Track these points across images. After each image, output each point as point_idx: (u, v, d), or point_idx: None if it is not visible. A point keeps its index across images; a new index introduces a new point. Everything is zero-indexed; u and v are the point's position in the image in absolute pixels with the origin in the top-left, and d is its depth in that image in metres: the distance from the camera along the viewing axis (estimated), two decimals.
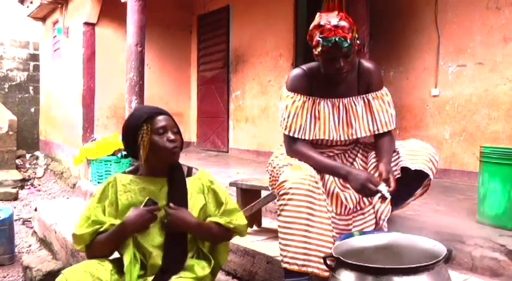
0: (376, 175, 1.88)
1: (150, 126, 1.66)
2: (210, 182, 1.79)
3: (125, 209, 1.66)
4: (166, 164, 1.72)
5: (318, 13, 1.90)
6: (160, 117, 1.69)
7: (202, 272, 1.65)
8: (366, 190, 1.76)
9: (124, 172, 1.79)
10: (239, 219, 1.78)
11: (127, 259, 1.60)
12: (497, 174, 2.26)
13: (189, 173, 1.79)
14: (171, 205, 1.65)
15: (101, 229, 1.64)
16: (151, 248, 1.65)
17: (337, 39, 1.79)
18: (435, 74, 4.10)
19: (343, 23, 1.81)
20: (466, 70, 3.88)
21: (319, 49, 1.85)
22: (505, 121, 3.60)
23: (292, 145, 2.00)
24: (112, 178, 1.75)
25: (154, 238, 1.66)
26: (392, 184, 1.76)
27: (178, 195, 1.70)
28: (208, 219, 1.74)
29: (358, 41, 1.89)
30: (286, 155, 2.04)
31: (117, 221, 1.63)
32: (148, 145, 1.66)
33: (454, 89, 3.97)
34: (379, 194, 1.74)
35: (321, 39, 1.82)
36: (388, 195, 1.73)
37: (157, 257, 1.64)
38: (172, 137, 1.67)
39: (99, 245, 1.64)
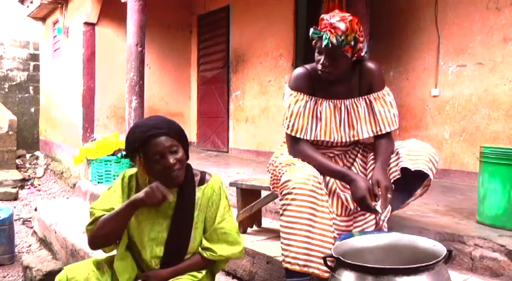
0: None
1: (144, 155, 1.53)
2: (218, 193, 1.68)
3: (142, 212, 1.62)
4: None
5: (336, 10, 1.93)
6: (155, 142, 1.52)
7: (200, 274, 1.65)
8: (363, 206, 1.78)
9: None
10: (224, 249, 1.65)
11: (124, 276, 1.60)
12: (497, 174, 2.26)
13: (202, 181, 1.69)
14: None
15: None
16: (152, 259, 1.64)
17: (323, 35, 1.80)
18: (435, 74, 4.10)
19: (339, 25, 1.79)
20: (466, 70, 3.88)
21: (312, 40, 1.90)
22: (505, 121, 3.60)
23: (295, 144, 1.99)
24: (133, 172, 1.69)
25: (153, 250, 1.65)
26: (389, 195, 1.77)
27: (184, 210, 1.64)
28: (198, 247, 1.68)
29: (351, 48, 1.83)
30: (288, 155, 2.03)
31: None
32: (144, 172, 1.58)
33: (454, 89, 3.97)
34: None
35: (311, 29, 1.86)
36: (379, 210, 1.74)
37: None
38: (170, 161, 1.52)
39: (107, 222, 1.55)
